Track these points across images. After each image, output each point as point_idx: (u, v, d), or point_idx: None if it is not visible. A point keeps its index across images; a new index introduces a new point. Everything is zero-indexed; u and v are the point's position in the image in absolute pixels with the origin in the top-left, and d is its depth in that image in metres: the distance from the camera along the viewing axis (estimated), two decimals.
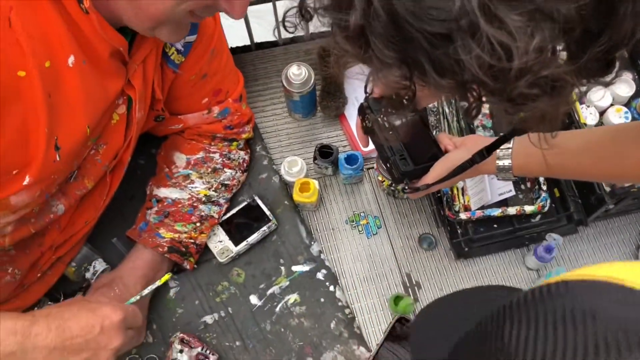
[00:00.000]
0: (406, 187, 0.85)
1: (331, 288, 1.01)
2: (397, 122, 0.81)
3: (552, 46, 0.43)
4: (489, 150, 0.72)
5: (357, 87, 1.17)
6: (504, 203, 1.01)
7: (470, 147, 0.80)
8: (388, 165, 0.85)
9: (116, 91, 0.78)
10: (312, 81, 1.06)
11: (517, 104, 0.46)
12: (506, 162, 0.80)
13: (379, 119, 0.81)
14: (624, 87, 1.03)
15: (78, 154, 0.77)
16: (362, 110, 0.84)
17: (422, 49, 0.43)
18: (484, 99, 0.49)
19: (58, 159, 0.71)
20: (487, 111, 1.06)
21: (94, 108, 0.75)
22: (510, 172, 0.81)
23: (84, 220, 0.94)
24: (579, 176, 0.87)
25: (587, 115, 1.04)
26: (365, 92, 0.80)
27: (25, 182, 0.70)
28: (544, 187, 1.00)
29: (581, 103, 1.05)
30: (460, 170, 0.77)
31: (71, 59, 0.67)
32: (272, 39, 1.26)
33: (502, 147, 0.76)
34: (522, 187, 1.05)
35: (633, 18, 0.43)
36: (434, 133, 1.04)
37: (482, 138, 0.89)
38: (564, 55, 0.45)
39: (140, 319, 0.82)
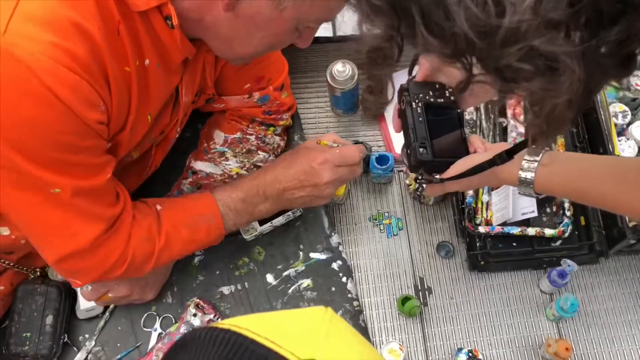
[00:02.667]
0: (420, 177, 0.83)
1: (344, 279, 1.05)
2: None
3: (552, 17, 0.39)
4: (510, 153, 0.70)
5: None
6: (525, 223, 1.02)
7: (498, 151, 0.77)
8: (409, 151, 0.83)
9: (175, 85, 0.87)
10: (355, 79, 1.09)
11: (507, 79, 0.43)
12: (529, 175, 0.75)
13: (413, 103, 0.81)
14: None
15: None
16: (400, 92, 0.84)
17: None
18: (475, 72, 0.46)
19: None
20: (522, 130, 1.06)
21: (158, 101, 0.85)
22: (531, 186, 0.76)
23: (126, 186, 1.01)
24: (599, 204, 0.83)
25: (625, 147, 1.03)
26: (410, 74, 0.82)
27: None
28: (568, 213, 1.00)
29: (621, 135, 1.04)
30: (479, 169, 0.75)
31: (147, 62, 0.76)
32: (328, 34, 1.30)
33: (528, 159, 0.73)
34: (547, 210, 1.05)
35: None
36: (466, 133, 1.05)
37: None
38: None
39: (351, 158, 0.91)
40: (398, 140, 1.16)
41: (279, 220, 1.07)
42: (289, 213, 1.07)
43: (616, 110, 1.05)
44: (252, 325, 0.43)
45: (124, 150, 0.84)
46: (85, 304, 1.04)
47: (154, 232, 0.85)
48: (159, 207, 0.88)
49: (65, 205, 0.73)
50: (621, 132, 1.06)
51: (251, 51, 0.79)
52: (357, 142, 1.10)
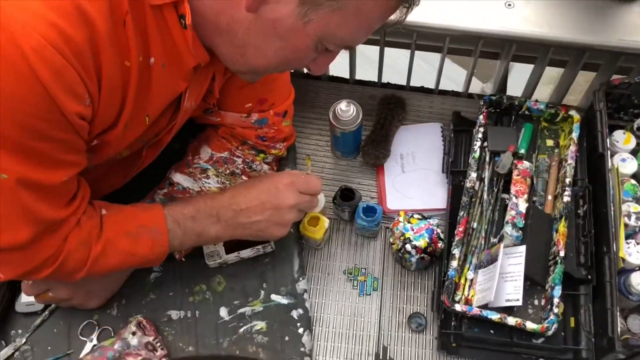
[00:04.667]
0: None
1: (300, 330, 0.96)
2: None
3: None
4: None
5: (404, 144, 1.13)
6: (508, 310, 0.92)
7: None
8: None
9: (181, 90, 0.82)
10: (357, 122, 1.04)
11: None
12: None
13: None
14: None
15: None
16: None
17: None
18: None
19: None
20: (523, 210, 0.98)
21: (159, 104, 0.79)
22: None
23: (109, 184, 0.96)
24: None
25: (633, 252, 0.93)
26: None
27: None
28: (556, 310, 0.90)
29: (631, 238, 0.95)
30: None
31: (152, 60, 0.71)
32: (345, 75, 1.26)
33: None
34: (535, 301, 0.95)
35: None
36: (460, 214, 0.98)
37: None
38: None
39: (314, 187, 0.90)
40: (392, 196, 1.09)
41: (246, 253, 1.00)
42: (259, 247, 1.00)
43: (630, 210, 0.96)
44: None
45: (114, 148, 0.78)
46: (26, 298, 0.97)
47: (93, 236, 0.78)
48: (103, 212, 0.81)
49: (9, 196, 0.66)
50: (632, 234, 0.96)
51: (264, 63, 0.72)
52: (346, 188, 1.03)
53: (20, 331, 0.97)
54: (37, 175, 0.66)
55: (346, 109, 1.02)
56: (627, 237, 0.95)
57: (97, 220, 0.80)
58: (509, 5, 1.03)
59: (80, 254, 0.78)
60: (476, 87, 1.87)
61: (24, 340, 0.97)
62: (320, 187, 0.91)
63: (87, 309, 0.97)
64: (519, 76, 1.27)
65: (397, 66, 1.18)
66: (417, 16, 1.00)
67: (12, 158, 0.63)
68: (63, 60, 0.58)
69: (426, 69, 1.63)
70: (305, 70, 1.19)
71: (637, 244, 0.94)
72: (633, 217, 0.96)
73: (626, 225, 0.95)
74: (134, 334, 0.94)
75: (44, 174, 0.67)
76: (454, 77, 1.81)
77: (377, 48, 1.16)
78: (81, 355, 0.95)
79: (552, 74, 1.19)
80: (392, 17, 0.72)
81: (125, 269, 0.87)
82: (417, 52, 1.15)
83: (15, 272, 0.76)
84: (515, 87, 1.25)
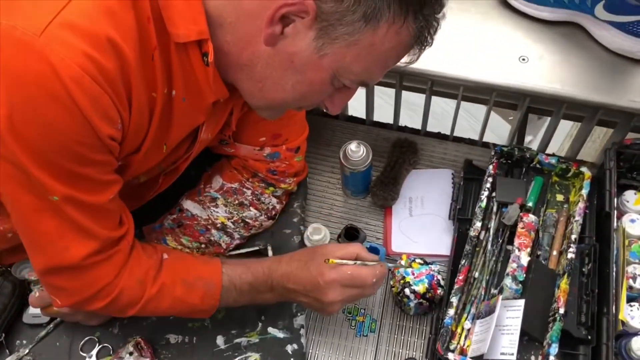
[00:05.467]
0: None
1: None
2: None
3: None
4: None
5: (414, 187, 1.14)
6: None
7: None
8: None
9: (199, 123, 0.86)
10: (367, 163, 1.05)
11: None
12: None
13: None
14: None
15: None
16: None
17: None
18: None
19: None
20: (524, 264, 0.97)
21: (178, 134, 0.84)
22: None
23: (126, 205, 1.00)
24: None
25: (636, 316, 0.91)
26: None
27: None
28: None
29: (634, 301, 0.93)
30: None
31: (174, 93, 0.76)
32: (362, 116, 1.28)
33: None
34: (532, 358, 0.94)
35: None
36: (462, 262, 0.98)
37: None
38: None
39: (362, 282, 0.86)
40: (397, 238, 1.09)
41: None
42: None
43: (636, 273, 0.94)
44: None
45: (132, 172, 0.83)
46: (33, 310, 1.01)
47: (150, 277, 0.83)
48: (165, 256, 0.86)
49: (63, 216, 0.72)
50: (637, 298, 0.94)
51: (282, 97, 0.75)
52: (351, 227, 1.05)
53: (25, 341, 1.00)
54: (86, 197, 0.72)
55: (356, 150, 1.04)
56: (631, 300, 0.93)
57: (157, 262, 0.85)
58: (523, 59, 1.04)
59: (136, 291, 0.82)
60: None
61: (27, 350, 1.00)
62: (370, 278, 0.85)
63: (89, 324, 1.00)
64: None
65: (419, 110, 1.20)
66: (432, 64, 1.04)
67: (60, 182, 0.69)
68: (99, 88, 0.63)
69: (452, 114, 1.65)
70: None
71: None
72: (638, 279, 0.94)
73: (630, 287, 0.93)
74: (130, 354, 0.96)
75: (93, 196, 0.73)
76: (494, 127, 1.83)
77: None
78: None
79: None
80: (406, 59, 0.75)
81: (174, 314, 0.91)
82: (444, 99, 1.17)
83: (72, 300, 0.81)
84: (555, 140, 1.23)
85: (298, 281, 0.87)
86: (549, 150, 1.18)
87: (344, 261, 0.86)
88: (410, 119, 1.50)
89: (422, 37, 0.71)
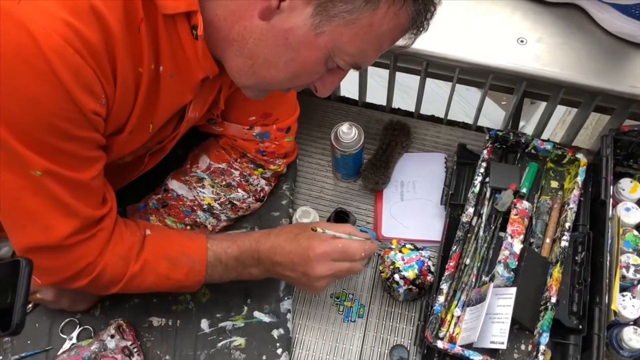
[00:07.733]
0: None
1: (279, 351, 0.95)
2: None
3: None
4: None
5: (406, 171, 1.12)
6: (492, 352, 0.89)
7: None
8: None
9: (187, 102, 0.83)
10: (358, 145, 1.03)
11: None
12: None
13: None
14: None
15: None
16: None
17: None
18: None
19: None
20: (517, 251, 0.95)
21: (164, 113, 0.80)
22: None
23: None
24: None
25: (628, 305, 0.90)
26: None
27: None
28: (542, 358, 0.87)
29: (626, 291, 0.92)
30: None
31: (161, 69, 0.72)
32: (355, 97, 1.25)
33: None
34: (522, 346, 0.92)
35: None
36: (453, 249, 0.96)
37: None
38: None
39: (352, 255, 0.84)
40: (388, 223, 1.07)
41: None
42: None
43: (629, 262, 0.93)
44: None
45: (116, 153, 0.79)
46: None
47: (133, 254, 0.81)
48: (148, 232, 0.84)
49: (44, 194, 0.69)
50: (629, 287, 0.93)
51: (273, 75, 0.71)
52: (341, 210, 1.02)
53: None
54: (69, 173, 0.69)
55: (348, 132, 1.01)
56: (623, 289, 0.92)
57: (140, 239, 0.82)
58: (522, 41, 1.01)
59: (119, 268, 0.80)
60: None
61: None
62: (359, 252, 0.84)
63: (76, 311, 0.98)
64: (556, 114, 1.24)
65: (411, 92, 1.17)
66: (428, 45, 1.01)
67: (42, 157, 0.66)
68: (81, 60, 0.60)
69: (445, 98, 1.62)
70: None
71: (633, 297, 0.91)
72: (632, 269, 0.92)
73: (623, 277, 0.92)
74: (112, 336, 0.94)
75: (76, 172, 0.70)
76: (487, 112, 1.81)
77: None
78: (58, 353, 0.95)
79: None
80: (401, 42, 0.72)
81: (159, 290, 0.88)
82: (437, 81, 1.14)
83: (53, 279, 0.79)
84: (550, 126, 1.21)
85: (286, 254, 0.85)
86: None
87: (333, 232, 0.84)
88: (402, 100, 1.47)
89: (418, 21, 0.68)
